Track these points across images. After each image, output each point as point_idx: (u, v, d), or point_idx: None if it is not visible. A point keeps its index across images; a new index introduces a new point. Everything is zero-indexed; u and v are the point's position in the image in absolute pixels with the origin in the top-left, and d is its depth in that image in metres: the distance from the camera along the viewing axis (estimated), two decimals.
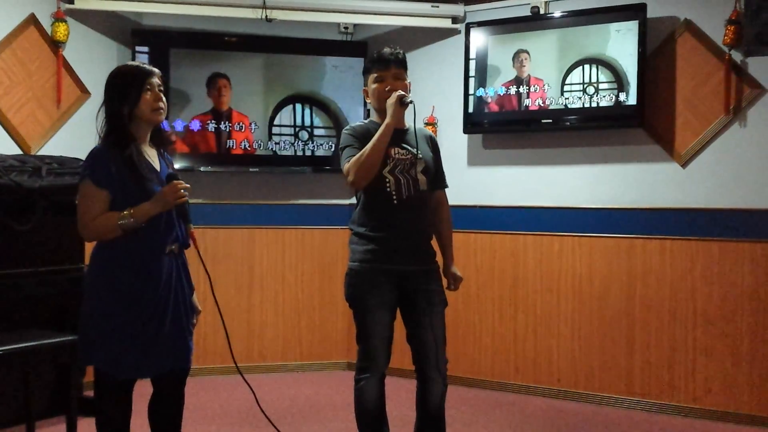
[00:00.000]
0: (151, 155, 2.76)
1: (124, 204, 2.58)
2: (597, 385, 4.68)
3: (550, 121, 4.76)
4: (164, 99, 2.73)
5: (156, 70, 2.74)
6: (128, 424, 2.78)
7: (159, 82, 2.71)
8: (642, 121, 4.50)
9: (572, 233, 4.79)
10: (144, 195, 2.60)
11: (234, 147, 5.20)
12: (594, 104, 4.60)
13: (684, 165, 4.47)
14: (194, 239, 2.73)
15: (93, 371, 2.74)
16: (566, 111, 4.69)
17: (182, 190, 2.63)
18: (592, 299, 4.71)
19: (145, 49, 5.06)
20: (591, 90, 4.59)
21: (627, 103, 4.51)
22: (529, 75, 4.77)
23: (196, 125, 5.13)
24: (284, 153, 5.29)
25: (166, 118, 2.93)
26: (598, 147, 4.73)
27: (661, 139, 4.54)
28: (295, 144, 5.30)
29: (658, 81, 4.52)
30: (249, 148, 5.23)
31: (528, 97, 4.77)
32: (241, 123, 5.21)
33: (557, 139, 4.86)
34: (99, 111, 2.72)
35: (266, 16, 4.94)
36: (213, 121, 5.17)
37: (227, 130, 5.19)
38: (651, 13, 4.45)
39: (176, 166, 3.47)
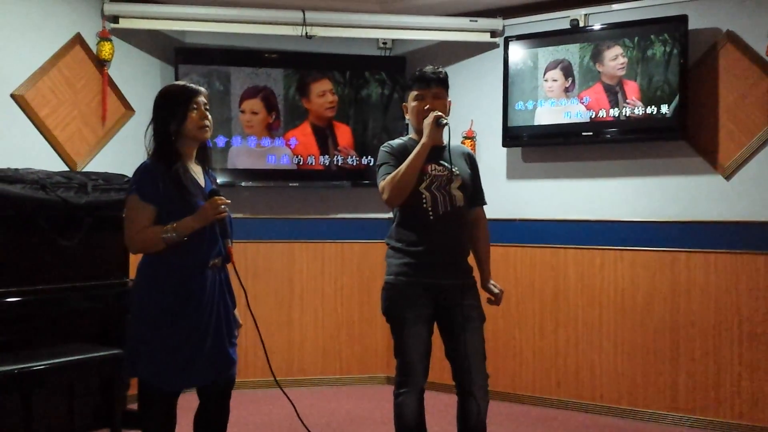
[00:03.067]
0: (197, 171, 2.84)
1: (169, 218, 2.66)
2: (641, 401, 4.61)
3: (591, 134, 4.72)
4: (210, 117, 2.80)
5: (202, 89, 2.82)
6: None
7: (205, 101, 2.79)
8: (684, 133, 4.45)
9: (614, 247, 4.73)
10: (189, 210, 2.67)
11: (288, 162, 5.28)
12: (634, 116, 4.56)
13: (728, 177, 4.41)
14: (231, 255, 2.80)
15: (138, 383, 2.79)
16: (606, 124, 4.65)
17: (222, 206, 2.70)
18: (635, 313, 4.65)
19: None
20: (646, 99, 4.52)
21: (669, 115, 4.46)
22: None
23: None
24: (323, 167, 5.34)
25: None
26: (639, 159, 4.69)
27: (703, 151, 4.48)
28: (334, 158, 5.34)
29: (701, 93, 4.46)
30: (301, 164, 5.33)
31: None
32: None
33: (598, 152, 4.82)
34: (147, 128, 2.81)
35: (306, 33, 4.99)
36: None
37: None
38: (692, 24, 4.41)
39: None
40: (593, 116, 4.69)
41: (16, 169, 3.90)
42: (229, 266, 2.86)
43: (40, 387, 3.63)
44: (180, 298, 2.68)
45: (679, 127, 4.44)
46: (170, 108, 2.74)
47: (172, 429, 2.81)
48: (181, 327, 2.68)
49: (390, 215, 3.19)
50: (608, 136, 4.68)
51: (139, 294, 2.75)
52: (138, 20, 4.87)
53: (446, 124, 2.98)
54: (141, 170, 2.74)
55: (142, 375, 2.73)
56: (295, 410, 3.15)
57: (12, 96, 4.29)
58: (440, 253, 3.04)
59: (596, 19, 4.81)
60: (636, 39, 4.56)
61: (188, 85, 2.83)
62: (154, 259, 2.72)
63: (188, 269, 2.70)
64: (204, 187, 2.81)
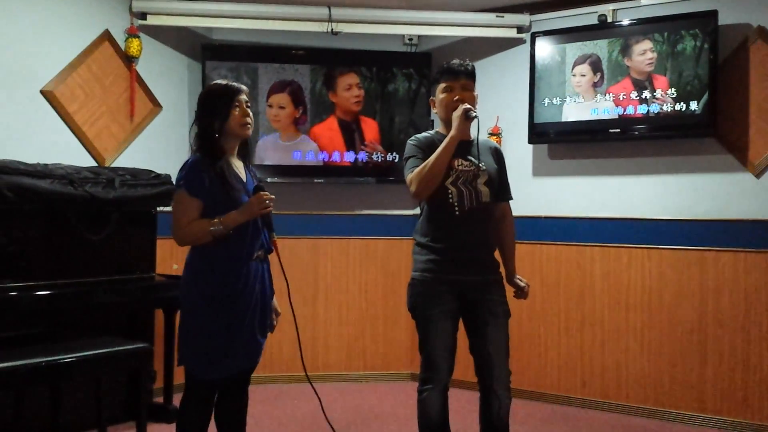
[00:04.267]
0: (239, 167, 2.95)
1: (213, 212, 2.78)
2: (667, 402, 4.56)
3: (619, 130, 4.67)
4: (251, 114, 2.91)
5: (244, 87, 2.93)
6: (206, 429, 2.92)
7: (247, 99, 2.91)
8: (714, 130, 4.39)
9: (641, 245, 4.68)
10: (232, 204, 2.79)
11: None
12: (663, 113, 4.50)
13: (758, 175, 4.34)
14: (276, 247, 2.95)
15: (184, 373, 2.89)
16: (634, 120, 4.60)
17: (267, 201, 2.83)
18: (662, 313, 4.60)
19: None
20: (675, 95, 4.46)
21: (698, 112, 4.40)
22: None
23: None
24: (349, 164, 5.35)
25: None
26: (668, 156, 4.63)
27: (734, 148, 4.41)
28: (359, 155, 5.35)
29: (731, 89, 4.40)
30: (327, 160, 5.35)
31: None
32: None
33: (626, 149, 4.77)
34: (192, 126, 2.93)
35: (332, 29, 5.00)
36: None
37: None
38: (722, 20, 4.34)
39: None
40: (621, 113, 4.64)
41: (45, 165, 3.95)
42: (272, 257, 2.97)
43: (67, 380, 3.68)
44: (224, 289, 2.79)
45: (709, 124, 4.38)
46: (213, 107, 2.86)
47: (208, 422, 2.91)
48: (223, 318, 2.79)
49: (415, 212, 3.19)
50: (636, 132, 4.63)
51: (186, 286, 2.87)
52: (166, 17, 4.90)
53: (476, 116, 2.97)
54: (188, 166, 2.84)
55: (186, 364, 2.85)
56: (321, 406, 3.18)
57: (42, 92, 4.34)
58: (466, 249, 3.03)
59: (624, 14, 4.76)
60: (665, 34, 4.50)
61: (230, 84, 2.93)
62: (200, 252, 2.84)
63: (233, 261, 2.82)
64: (246, 182, 2.92)
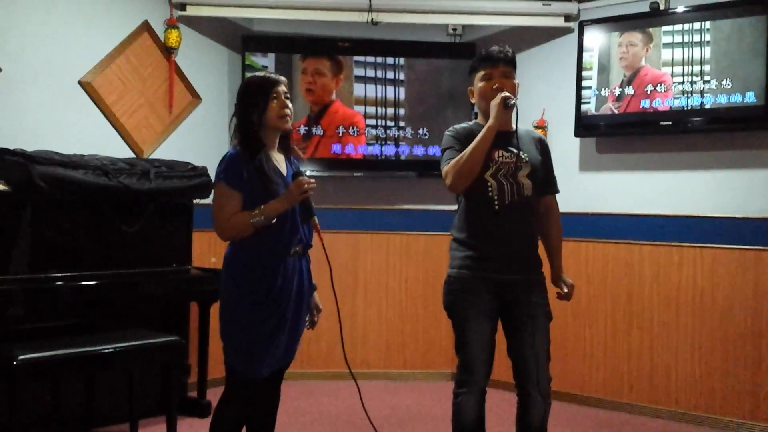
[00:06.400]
0: (279, 160, 2.89)
1: (252, 206, 2.72)
2: (718, 409, 4.35)
3: (670, 123, 4.47)
4: (290, 106, 2.84)
5: (282, 78, 2.86)
6: (242, 427, 2.89)
7: (285, 90, 2.84)
8: None
9: (693, 243, 4.48)
10: (270, 198, 2.74)
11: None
12: (718, 105, 4.29)
13: None
14: (318, 230, 2.84)
15: (225, 371, 2.85)
16: (687, 112, 4.40)
17: (306, 185, 2.75)
18: (715, 315, 4.39)
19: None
20: (731, 86, 4.26)
21: (756, 103, 4.18)
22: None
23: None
24: (389, 157, 5.24)
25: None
26: (722, 150, 4.42)
27: None
28: (400, 148, 5.24)
29: None
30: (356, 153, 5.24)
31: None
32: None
33: (677, 143, 4.57)
34: (231, 119, 2.88)
35: (372, 19, 4.89)
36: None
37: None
38: None
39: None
40: (673, 104, 4.44)
41: (81, 156, 3.93)
42: (317, 241, 2.89)
43: (98, 371, 3.66)
44: (262, 287, 2.75)
45: (765, 116, 4.15)
46: (251, 99, 2.80)
47: (244, 421, 2.88)
48: (262, 314, 2.75)
49: (456, 206, 3.06)
50: (689, 125, 4.42)
51: (225, 283, 2.83)
52: (205, 7, 4.85)
53: (514, 104, 2.82)
54: (227, 159, 2.80)
55: (227, 361, 2.82)
56: (361, 400, 3.09)
57: (80, 83, 4.33)
58: (505, 245, 2.88)
59: (678, 1, 4.55)
60: (721, 22, 4.29)
61: (268, 75, 2.88)
62: (238, 248, 2.80)
63: (271, 258, 2.76)
64: (286, 176, 2.85)
